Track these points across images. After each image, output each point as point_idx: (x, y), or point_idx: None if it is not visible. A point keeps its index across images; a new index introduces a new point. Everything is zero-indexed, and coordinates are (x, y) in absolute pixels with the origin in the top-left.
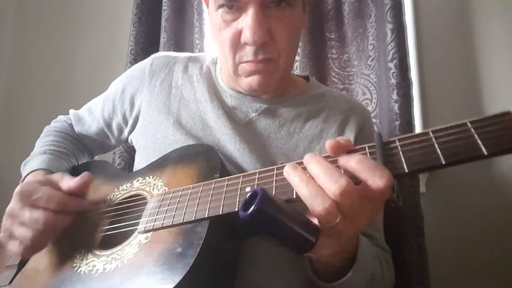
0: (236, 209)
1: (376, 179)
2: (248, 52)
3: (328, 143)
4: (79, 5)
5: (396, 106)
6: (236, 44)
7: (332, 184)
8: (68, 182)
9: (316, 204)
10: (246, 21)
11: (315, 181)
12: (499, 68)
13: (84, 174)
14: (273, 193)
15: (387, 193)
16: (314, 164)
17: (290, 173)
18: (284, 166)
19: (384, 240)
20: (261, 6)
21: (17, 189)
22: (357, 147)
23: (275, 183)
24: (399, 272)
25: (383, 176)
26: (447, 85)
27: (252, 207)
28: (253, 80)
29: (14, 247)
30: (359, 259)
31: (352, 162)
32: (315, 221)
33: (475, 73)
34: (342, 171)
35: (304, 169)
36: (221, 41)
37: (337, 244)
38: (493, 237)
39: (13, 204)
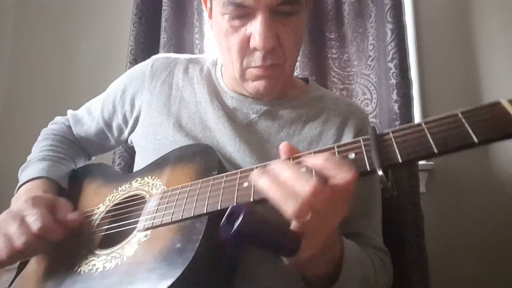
0: (234, 204)
1: (344, 173)
2: (256, 58)
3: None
4: (79, 5)
5: (396, 106)
6: (245, 49)
7: (303, 186)
8: (67, 215)
9: (288, 205)
10: (255, 27)
11: (284, 185)
12: (499, 68)
13: (81, 219)
14: None
15: (350, 189)
16: (283, 168)
17: (257, 179)
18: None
19: (382, 240)
20: (270, 12)
21: (19, 200)
22: (352, 140)
23: (242, 204)
24: (399, 272)
25: (351, 169)
26: (447, 85)
27: (235, 227)
28: (260, 84)
29: None
30: (345, 267)
31: (319, 160)
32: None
33: (475, 73)
34: (313, 172)
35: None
36: (228, 46)
37: (315, 244)
38: (493, 237)
39: (7, 212)
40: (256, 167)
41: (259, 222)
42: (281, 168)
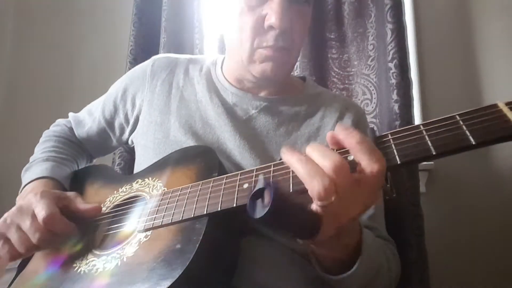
0: (234, 205)
1: (372, 162)
2: (269, 38)
3: (329, 134)
4: (79, 5)
5: (396, 106)
6: (258, 28)
7: (327, 161)
8: (80, 205)
9: (314, 183)
10: (273, 7)
11: (311, 162)
12: (499, 68)
13: (97, 207)
14: None
15: (380, 180)
16: (311, 148)
17: (288, 154)
18: (281, 162)
19: (386, 232)
20: None
21: (26, 195)
22: None
23: (272, 180)
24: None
25: (379, 160)
26: (447, 85)
27: (266, 208)
28: (268, 66)
29: (2, 250)
30: (364, 251)
31: (352, 140)
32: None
33: (475, 73)
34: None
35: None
36: (240, 26)
37: (332, 228)
38: (493, 237)
39: (17, 207)
40: (256, 169)
41: (286, 202)
42: (311, 147)
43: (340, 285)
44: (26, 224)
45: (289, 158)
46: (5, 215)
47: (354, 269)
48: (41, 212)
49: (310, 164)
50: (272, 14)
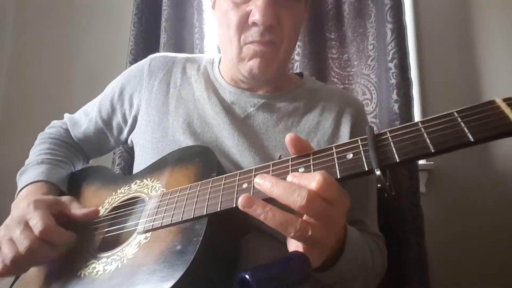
0: (234, 205)
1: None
2: (254, 33)
3: (289, 137)
4: (79, 5)
5: (396, 106)
6: (243, 24)
7: (296, 198)
8: (76, 210)
9: (288, 231)
10: (257, 3)
11: (279, 211)
12: (499, 68)
13: (95, 210)
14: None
15: (331, 192)
16: (272, 186)
17: (260, 181)
18: (280, 161)
19: (377, 227)
20: None
21: (19, 204)
22: (350, 140)
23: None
24: (399, 272)
25: (315, 178)
26: (447, 85)
27: None
28: (255, 63)
29: None
30: (347, 248)
31: (289, 177)
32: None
33: (475, 73)
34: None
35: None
36: (227, 23)
37: (325, 251)
38: (493, 237)
39: (10, 218)
40: (255, 169)
41: (271, 275)
42: (272, 185)
43: (324, 280)
44: (16, 234)
45: (261, 183)
46: (6, 221)
47: (335, 266)
48: (36, 224)
49: (278, 215)
50: (255, 11)
